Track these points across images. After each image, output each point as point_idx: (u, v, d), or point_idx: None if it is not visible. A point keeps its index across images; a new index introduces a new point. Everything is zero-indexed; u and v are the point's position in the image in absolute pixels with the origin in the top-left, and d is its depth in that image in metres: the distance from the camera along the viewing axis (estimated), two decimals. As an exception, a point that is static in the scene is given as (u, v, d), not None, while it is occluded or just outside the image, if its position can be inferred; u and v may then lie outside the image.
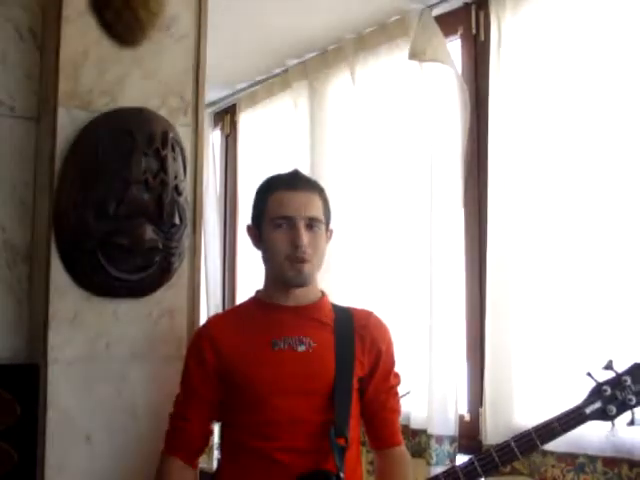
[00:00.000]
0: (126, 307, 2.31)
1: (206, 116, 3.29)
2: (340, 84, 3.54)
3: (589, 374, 2.01)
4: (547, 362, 2.56)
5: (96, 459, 2.23)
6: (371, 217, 3.33)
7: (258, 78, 4.09)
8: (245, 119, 4.33)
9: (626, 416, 1.99)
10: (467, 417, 2.90)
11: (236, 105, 4.39)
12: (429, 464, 2.78)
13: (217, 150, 4.61)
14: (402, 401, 2.27)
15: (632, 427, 1.99)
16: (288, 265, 2.09)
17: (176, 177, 2.32)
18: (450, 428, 2.80)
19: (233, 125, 4.46)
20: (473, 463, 1.97)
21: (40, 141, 2.34)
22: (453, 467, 2.08)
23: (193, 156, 2.44)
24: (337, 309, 2.21)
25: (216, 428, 2.43)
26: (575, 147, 2.57)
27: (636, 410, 1.98)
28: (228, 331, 2.16)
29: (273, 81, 4.02)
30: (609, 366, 2.01)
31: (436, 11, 3.05)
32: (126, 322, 2.31)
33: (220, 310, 4.24)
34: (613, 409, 1.98)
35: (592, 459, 2.35)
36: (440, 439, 2.79)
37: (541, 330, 2.57)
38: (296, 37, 3.51)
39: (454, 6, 3.07)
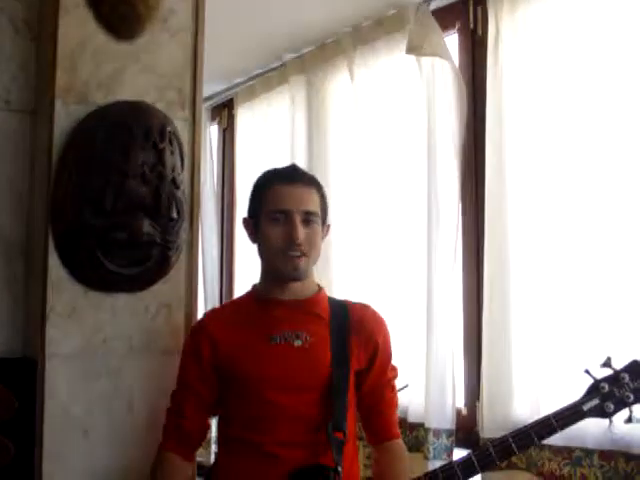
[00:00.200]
0: (123, 301, 2.31)
1: (203, 110, 3.28)
2: (337, 78, 3.54)
3: (587, 371, 2.01)
4: (544, 356, 2.56)
5: (94, 453, 2.23)
6: (369, 211, 3.33)
7: (255, 72, 4.09)
8: (242, 113, 4.33)
9: (624, 413, 1.99)
10: (464, 411, 2.91)
11: (233, 99, 4.39)
12: (426, 458, 2.79)
13: (214, 144, 4.61)
14: (400, 394, 2.27)
15: (630, 424, 1.99)
16: (284, 259, 2.09)
17: (173, 170, 2.31)
18: (447, 422, 2.80)
19: (230, 119, 4.46)
20: (470, 458, 1.98)
21: (36, 135, 2.33)
22: (450, 462, 2.08)
23: (191, 150, 2.44)
24: (333, 303, 2.20)
25: (214, 422, 2.43)
26: (571, 141, 2.57)
27: (634, 407, 1.98)
28: (225, 326, 2.16)
29: (270, 75, 4.02)
30: (607, 363, 2.01)
31: (433, 5, 3.05)
32: (123, 316, 2.30)
33: (217, 304, 4.24)
34: (611, 406, 1.98)
35: (589, 453, 2.35)
36: (437, 433, 2.80)
37: (538, 324, 2.58)
38: (293, 31, 3.51)
39: (451, 0, 3.07)
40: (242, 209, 2.39)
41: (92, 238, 2.22)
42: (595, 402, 1.98)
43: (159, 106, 2.37)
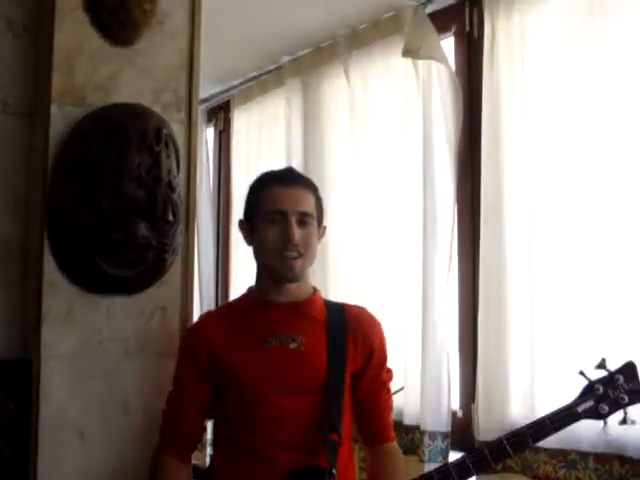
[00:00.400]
0: (119, 303, 2.31)
1: (200, 112, 3.28)
2: (334, 81, 3.54)
3: (582, 372, 2.02)
4: (539, 358, 2.56)
5: (89, 455, 2.23)
6: (364, 213, 3.34)
7: (252, 75, 4.09)
8: (239, 115, 4.33)
9: (618, 415, 1.99)
10: (460, 413, 2.91)
11: (230, 101, 4.39)
12: (422, 461, 2.79)
13: (211, 146, 4.61)
14: (395, 397, 2.28)
15: (624, 426, 1.99)
16: (279, 259, 2.09)
17: (169, 173, 2.31)
18: (443, 424, 2.80)
19: (227, 122, 4.46)
20: (465, 461, 1.98)
21: (33, 137, 2.33)
22: (446, 465, 2.09)
23: (187, 152, 2.44)
24: (329, 305, 2.21)
25: (209, 424, 2.43)
26: (567, 143, 2.58)
27: (628, 409, 1.99)
28: (220, 328, 2.16)
29: (267, 78, 4.02)
30: (602, 365, 2.01)
31: (430, 8, 3.06)
32: (119, 318, 2.30)
33: (213, 306, 4.24)
34: (605, 408, 1.98)
35: (584, 455, 2.36)
36: (433, 435, 2.80)
37: (533, 326, 2.58)
38: (290, 34, 3.51)
39: (448, 3, 3.08)
40: (238, 211, 2.40)
41: (88, 240, 2.22)
42: (590, 404, 1.98)
43: (155, 109, 2.37)
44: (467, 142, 2.95)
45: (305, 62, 3.69)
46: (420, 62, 3.02)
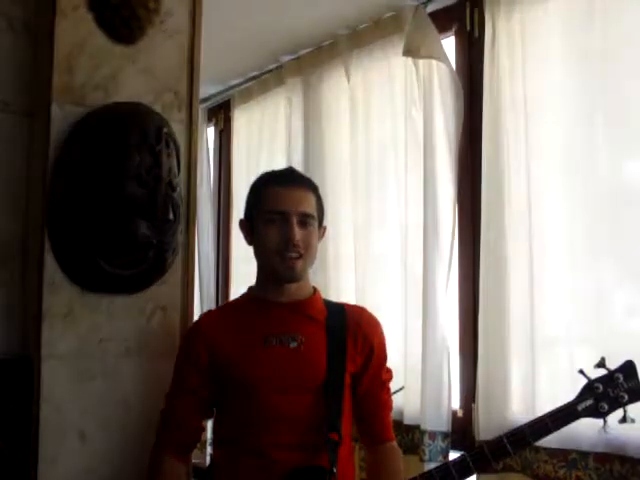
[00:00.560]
0: (119, 303, 2.31)
1: (200, 112, 3.28)
2: (334, 80, 3.54)
3: (581, 371, 2.02)
4: (540, 358, 2.56)
5: (89, 454, 2.23)
6: (364, 213, 3.34)
7: (252, 74, 4.09)
8: (239, 115, 4.33)
9: (618, 413, 2.00)
10: (460, 413, 2.91)
11: (230, 101, 4.39)
12: (422, 460, 2.79)
13: (211, 146, 4.61)
14: (396, 397, 2.28)
15: (624, 424, 1.99)
16: (280, 260, 2.09)
17: (170, 173, 2.31)
18: (443, 424, 2.80)
19: (227, 121, 4.46)
20: (466, 459, 1.98)
21: (34, 136, 2.33)
22: (445, 463, 2.09)
23: (187, 152, 2.44)
24: (329, 305, 2.21)
25: (209, 423, 2.43)
26: (568, 141, 2.57)
27: (628, 407, 1.99)
28: (221, 328, 2.16)
29: (267, 77, 4.02)
30: (601, 363, 2.01)
31: (430, 8, 3.06)
32: (119, 318, 2.30)
33: (214, 306, 4.24)
34: (605, 406, 1.98)
35: (584, 455, 2.35)
36: (433, 435, 2.80)
37: (534, 326, 2.58)
38: (290, 33, 3.51)
39: (448, 3, 3.08)
40: (238, 211, 2.40)
41: (88, 240, 2.22)
42: (589, 402, 1.98)
43: (156, 108, 2.37)
44: (468, 141, 2.95)
45: (306, 61, 3.69)
46: (421, 61, 3.02)
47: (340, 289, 3.37)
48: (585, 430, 2.26)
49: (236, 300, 2.30)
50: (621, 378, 1.99)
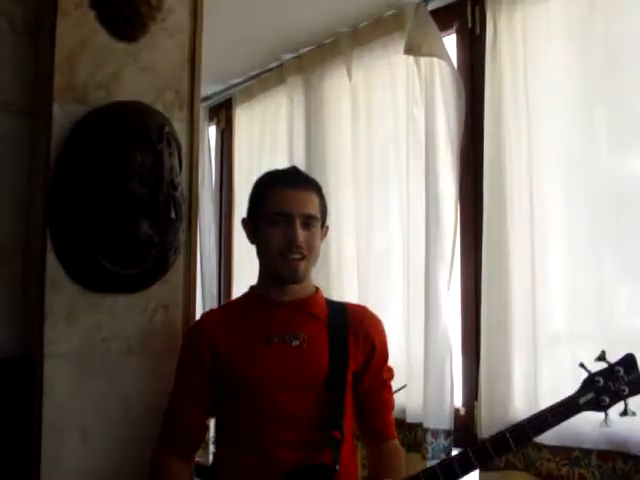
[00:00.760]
0: (121, 302, 2.31)
1: (201, 111, 3.29)
2: (335, 78, 3.54)
3: (582, 365, 2.02)
4: (542, 356, 2.56)
5: (91, 453, 2.23)
6: (367, 211, 3.33)
7: (253, 73, 4.09)
8: (241, 114, 4.33)
9: (619, 406, 2.00)
10: (462, 411, 2.91)
11: (231, 100, 4.38)
12: (425, 458, 2.79)
13: (213, 145, 4.61)
14: (398, 395, 2.28)
15: (625, 418, 1.99)
16: (283, 261, 2.10)
17: (172, 172, 2.31)
18: (445, 422, 2.80)
19: (228, 120, 4.45)
20: (467, 454, 1.98)
21: (35, 136, 2.33)
22: (448, 459, 2.09)
23: (189, 151, 2.44)
24: (331, 304, 2.22)
25: (212, 422, 2.43)
26: (569, 138, 2.57)
27: (629, 400, 1.99)
28: (222, 326, 2.16)
29: (268, 76, 4.02)
30: (602, 357, 2.01)
31: (432, 5, 3.05)
32: (121, 317, 2.31)
33: (216, 305, 4.24)
34: (606, 399, 1.98)
35: (587, 453, 2.35)
36: (435, 433, 2.80)
37: (536, 324, 2.58)
38: (291, 31, 3.51)
39: (450, 0, 3.07)
40: (240, 210, 2.40)
41: (90, 239, 2.22)
42: (590, 396, 1.98)
43: (157, 107, 2.37)
44: (469, 139, 2.94)
45: (307, 60, 3.69)
46: (422, 59, 3.01)
47: (342, 288, 3.37)
48: (587, 427, 2.26)
49: (238, 299, 2.30)
50: (622, 371, 1.99)
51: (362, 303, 2.60)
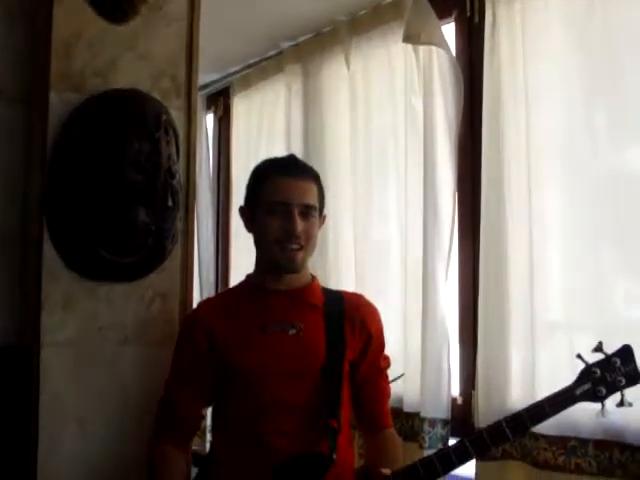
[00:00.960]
0: (118, 290, 2.31)
1: (199, 99, 3.27)
2: (334, 67, 3.53)
3: (579, 356, 2.02)
4: (540, 345, 2.56)
5: (88, 442, 2.24)
6: (364, 199, 3.33)
7: (251, 61, 4.08)
8: (238, 102, 4.32)
9: (616, 397, 2.00)
10: (459, 400, 2.91)
11: (229, 88, 4.37)
12: (422, 448, 2.79)
13: (210, 133, 4.60)
14: (395, 384, 2.28)
15: (622, 408, 2.00)
16: (281, 251, 2.09)
17: (169, 159, 2.31)
18: (443, 411, 2.80)
19: (226, 108, 4.45)
20: (464, 444, 1.98)
21: (32, 124, 2.32)
22: (445, 448, 2.09)
23: (186, 139, 2.43)
24: (327, 292, 2.22)
25: (209, 410, 2.43)
26: (568, 127, 2.56)
27: (625, 391, 1.99)
28: (219, 315, 2.16)
29: (266, 64, 4.01)
30: (599, 348, 2.01)
31: (430, -7, 3.04)
32: (118, 305, 2.30)
33: (213, 293, 4.24)
34: (603, 390, 1.98)
35: (583, 442, 2.35)
36: (433, 422, 2.80)
37: (534, 313, 2.57)
38: (290, 20, 3.50)
39: (448, -12, 3.06)
40: (238, 198, 2.40)
41: (87, 227, 2.21)
42: (587, 386, 1.98)
43: (154, 95, 2.36)
44: (468, 128, 2.93)
45: (305, 48, 3.67)
46: (421, 48, 3.00)
47: (340, 276, 3.37)
48: (584, 417, 2.27)
49: (234, 287, 2.30)
50: (618, 362, 1.99)
51: (359, 292, 2.60)
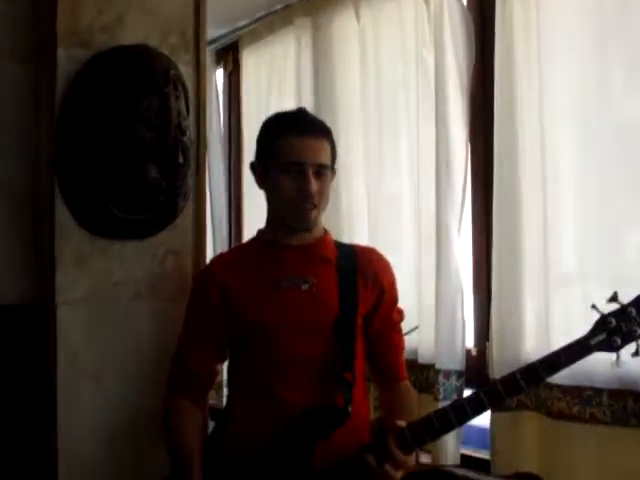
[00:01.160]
0: (131, 248, 2.32)
1: (208, 54, 3.25)
2: (343, 19, 3.48)
3: (594, 306, 2.00)
4: (554, 295, 2.55)
5: (105, 397, 2.26)
6: (376, 154, 3.31)
7: (260, 14, 4.03)
8: (248, 56, 4.28)
9: (631, 347, 1.99)
10: (474, 351, 2.91)
11: (238, 42, 4.33)
12: (436, 399, 2.80)
13: (220, 88, 4.57)
14: (410, 336, 2.28)
15: (637, 358, 1.99)
16: (295, 210, 2.09)
17: (179, 115, 2.30)
18: (457, 363, 2.81)
19: (236, 63, 4.41)
20: (479, 395, 1.98)
21: (40, 82, 2.31)
22: (459, 400, 2.10)
23: (196, 94, 2.42)
24: (340, 247, 2.21)
25: (225, 365, 2.45)
26: (582, 79, 2.53)
27: (641, 341, 1.98)
28: (232, 270, 2.16)
29: (275, 17, 3.96)
30: (614, 298, 2.00)
31: (441, -59, 2.98)
32: (131, 262, 2.31)
33: (226, 249, 4.24)
34: (618, 340, 1.97)
35: (598, 392, 2.35)
36: (447, 374, 2.81)
37: (548, 263, 2.57)
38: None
39: (460, -64, 3.00)
40: (249, 153, 2.38)
41: (98, 185, 2.22)
42: (602, 336, 1.97)
43: (162, 50, 2.34)
44: (480, 81, 2.90)
45: (315, 1, 3.63)
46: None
47: (353, 230, 3.36)
48: (599, 367, 2.27)
49: (247, 243, 2.30)
50: (634, 312, 1.97)
51: (372, 245, 2.59)
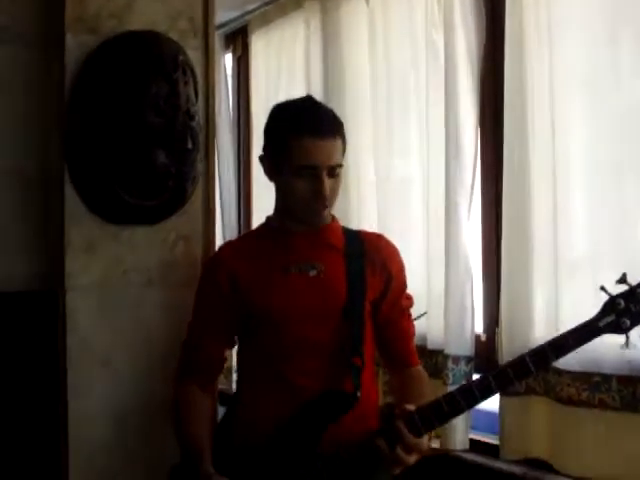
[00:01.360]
0: (141, 233, 2.32)
1: (216, 38, 3.23)
2: (353, 2, 3.47)
3: (603, 288, 1.99)
4: (563, 281, 2.55)
5: (115, 383, 2.28)
6: (385, 138, 3.30)
7: (268, -2, 4.02)
8: (257, 40, 4.26)
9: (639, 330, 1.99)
10: (483, 337, 2.91)
11: (247, 26, 4.31)
12: (446, 384, 2.80)
13: (229, 73, 4.55)
14: (419, 322, 2.28)
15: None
16: (308, 210, 2.09)
17: (188, 101, 2.30)
18: (466, 348, 2.81)
19: (245, 47, 4.39)
20: (488, 379, 1.98)
21: (49, 68, 2.31)
22: (468, 383, 2.09)
23: (204, 79, 2.41)
24: (347, 233, 2.21)
25: (234, 350, 2.46)
26: (592, 60, 2.51)
27: (650, 322, 1.97)
28: (241, 257, 2.16)
29: (284, 1, 3.94)
30: (623, 279, 1.99)
31: None
32: (141, 248, 2.32)
33: (236, 235, 4.25)
34: (627, 322, 1.96)
35: (607, 378, 2.35)
36: (457, 359, 2.81)
37: (557, 249, 2.56)
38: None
39: None
40: (259, 137, 2.38)
41: (108, 171, 2.22)
42: (611, 318, 1.96)
43: (171, 35, 2.34)
44: (490, 62, 2.88)
45: (323, -17, 3.61)
46: (441, -20, 2.94)
47: (361, 215, 3.36)
48: (608, 353, 2.26)
49: (255, 230, 2.30)
50: (643, 293, 1.97)
51: (381, 230, 2.59)
